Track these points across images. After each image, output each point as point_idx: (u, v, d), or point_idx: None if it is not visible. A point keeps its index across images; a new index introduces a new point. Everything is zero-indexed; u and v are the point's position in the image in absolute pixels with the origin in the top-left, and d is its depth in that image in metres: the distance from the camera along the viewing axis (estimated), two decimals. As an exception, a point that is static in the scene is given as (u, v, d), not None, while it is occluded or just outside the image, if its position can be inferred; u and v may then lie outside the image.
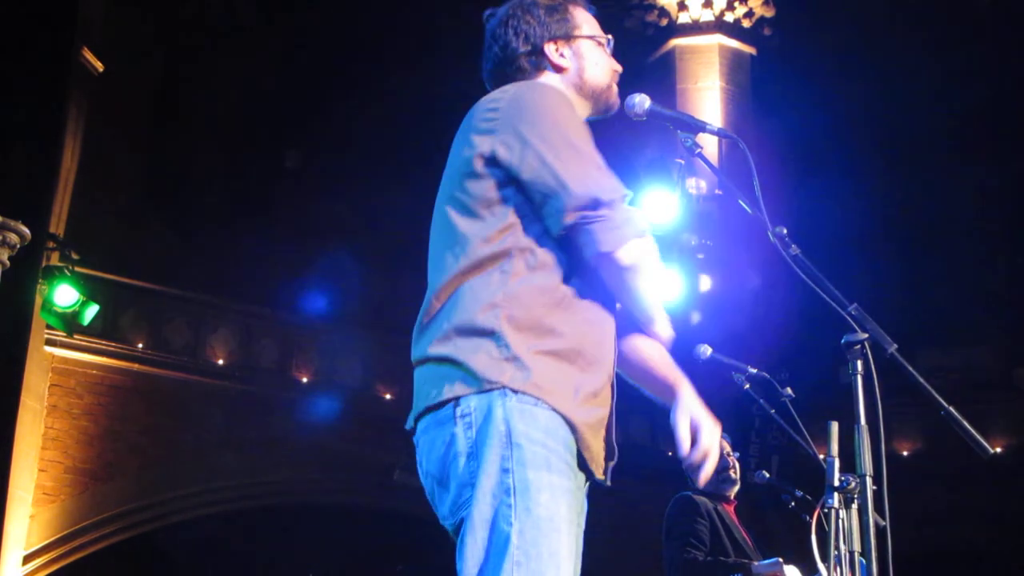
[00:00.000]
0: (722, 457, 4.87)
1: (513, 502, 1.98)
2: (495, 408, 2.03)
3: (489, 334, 2.06)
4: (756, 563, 4.64)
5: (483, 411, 2.03)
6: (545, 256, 2.12)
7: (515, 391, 2.03)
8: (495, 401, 2.03)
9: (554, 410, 2.05)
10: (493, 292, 2.08)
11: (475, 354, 2.06)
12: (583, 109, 2.36)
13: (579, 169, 2.12)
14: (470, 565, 2.00)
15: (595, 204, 2.08)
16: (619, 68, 2.43)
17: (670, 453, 12.44)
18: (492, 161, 2.13)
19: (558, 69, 2.36)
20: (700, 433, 2.21)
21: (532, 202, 2.12)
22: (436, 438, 2.09)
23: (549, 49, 2.36)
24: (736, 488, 4.91)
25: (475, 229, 2.13)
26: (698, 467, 2.21)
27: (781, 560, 4.62)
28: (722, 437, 5.03)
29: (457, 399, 2.06)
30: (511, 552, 1.96)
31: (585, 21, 2.41)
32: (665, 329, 2.30)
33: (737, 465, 4.90)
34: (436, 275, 2.17)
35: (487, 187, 2.14)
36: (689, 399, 2.24)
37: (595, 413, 2.13)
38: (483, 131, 2.16)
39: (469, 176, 2.15)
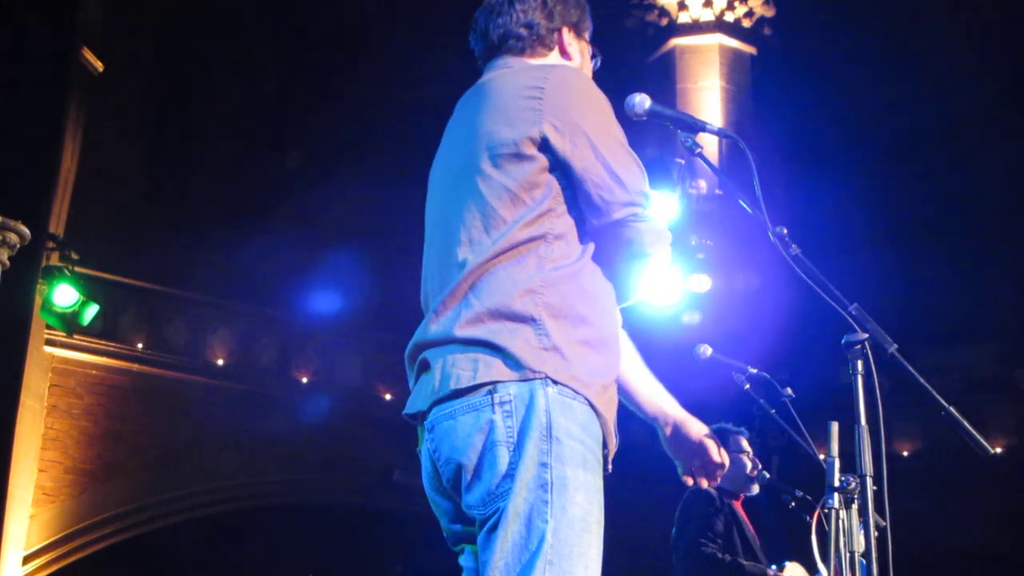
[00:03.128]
0: (752, 457, 4.88)
1: (550, 498, 1.95)
2: (537, 398, 1.98)
3: (528, 320, 2.02)
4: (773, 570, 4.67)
5: (524, 400, 1.98)
6: (576, 245, 2.11)
7: (555, 382, 1.99)
8: (537, 390, 1.98)
9: (588, 403, 2.03)
10: (531, 277, 2.04)
11: (514, 340, 2.00)
12: None
13: (629, 166, 2.13)
14: (497, 557, 1.95)
15: (644, 203, 2.12)
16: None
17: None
18: (543, 145, 2.09)
19: (567, 56, 2.35)
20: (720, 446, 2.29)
21: (573, 189, 2.11)
22: (467, 423, 2.00)
23: (566, 34, 2.35)
24: (756, 487, 4.90)
25: (515, 212, 2.08)
26: (717, 473, 2.29)
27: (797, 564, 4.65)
28: (742, 435, 5.00)
29: (495, 384, 1.99)
30: (544, 550, 1.92)
31: (589, 28, 2.42)
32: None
33: (759, 464, 4.90)
34: (462, 254, 2.09)
35: (532, 170, 2.09)
36: (693, 419, 2.31)
37: (614, 404, 2.13)
38: (528, 109, 2.11)
39: (511, 157, 2.10)
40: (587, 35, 2.39)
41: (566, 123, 2.09)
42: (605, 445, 2.08)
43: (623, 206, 2.10)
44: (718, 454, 2.26)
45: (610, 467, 2.18)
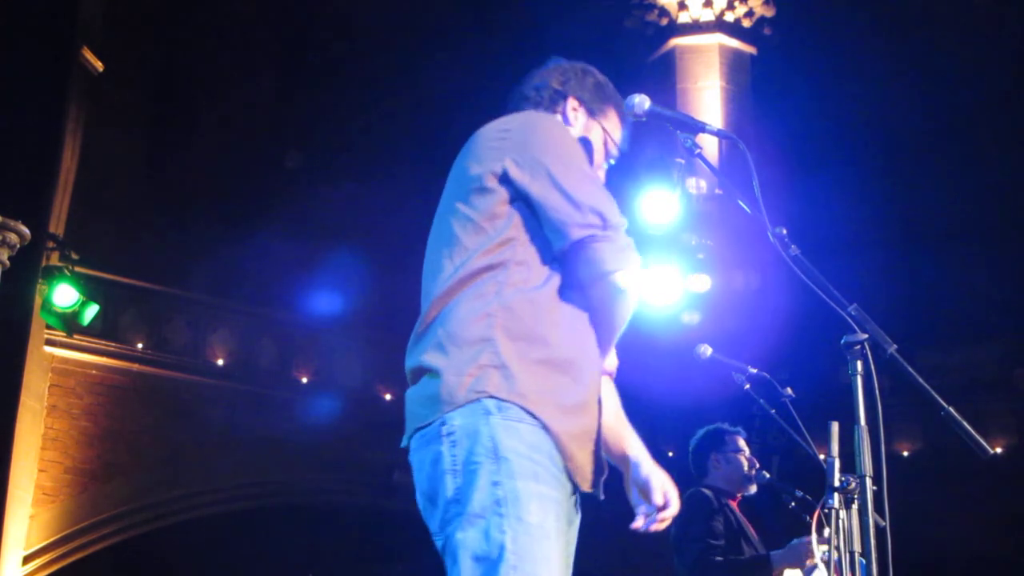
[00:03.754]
0: (749, 457, 4.87)
1: (505, 511, 2.00)
2: (480, 426, 2.05)
3: (482, 342, 2.09)
4: (776, 553, 4.59)
5: (467, 429, 2.06)
6: (540, 271, 2.17)
7: (500, 400, 2.05)
8: (480, 419, 2.05)
9: (536, 419, 2.06)
10: (488, 302, 2.12)
11: (464, 364, 2.08)
12: None
13: (589, 189, 2.19)
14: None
15: (604, 223, 2.15)
16: (602, 167, 2.50)
17: (670, 453, 12.44)
18: (503, 178, 2.19)
19: (567, 123, 2.44)
20: (668, 487, 2.27)
21: (537, 218, 2.18)
22: (425, 457, 2.13)
23: (571, 102, 2.46)
24: (754, 487, 4.89)
25: (476, 241, 2.17)
26: (659, 515, 2.26)
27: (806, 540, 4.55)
28: (739, 435, 4.99)
29: (442, 416, 2.08)
30: (507, 558, 1.98)
31: (614, 126, 2.50)
32: (612, 361, 2.39)
33: (756, 464, 4.89)
34: (433, 284, 2.21)
35: (494, 201, 2.19)
36: (649, 459, 2.31)
37: (581, 424, 2.15)
38: (493, 149, 2.22)
39: (476, 192, 2.20)
40: (604, 120, 2.47)
41: (526, 157, 2.19)
42: (567, 465, 2.12)
43: (581, 227, 2.15)
44: (660, 496, 2.25)
45: (601, 494, 2.26)
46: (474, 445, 2.04)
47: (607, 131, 2.47)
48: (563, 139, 2.27)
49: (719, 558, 4.53)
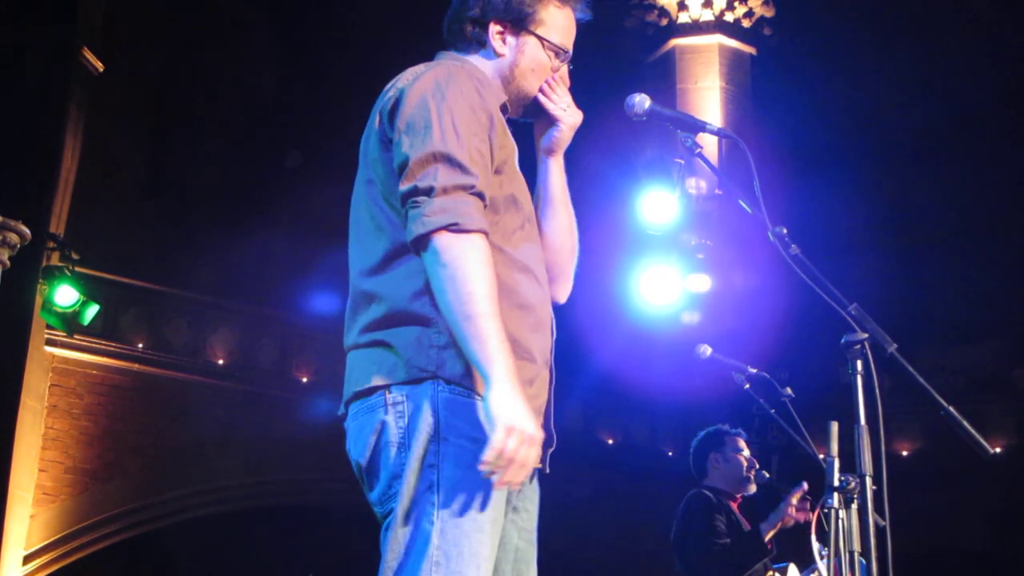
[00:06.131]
0: (748, 458, 4.87)
1: (436, 499, 1.96)
2: (425, 399, 1.99)
3: (422, 321, 2.02)
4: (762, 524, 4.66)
5: (414, 401, 2.00)
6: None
7: (447, 382, 2.00)
8: (426, 391, 2.00)
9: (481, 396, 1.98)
10: (422, 277, 2.02)
11: (408, 341, 2.02)
12: (503, 98, 2.26)
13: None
14: (390, 558, 1.98)
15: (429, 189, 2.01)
16: (560, 82, 2.33)
17: (670, 453, 12.45)
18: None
19: (494, 53, 2.29)
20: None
21: None
22: (365, 425, 2.06)
23: (492, 29, 2.28)
24: (753, 487, 4.89)
25: (396, 216, 2.08)
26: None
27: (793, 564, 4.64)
28: (739, 436, 5.00)
29: (388, 387, 2.02)
30: (431, 552, 1.93)
31: (552, 22, 2.29)
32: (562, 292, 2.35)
33: (756, 465, 4.90)
34: (362, 259, 2.12)
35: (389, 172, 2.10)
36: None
37: (530, 399, 2.04)
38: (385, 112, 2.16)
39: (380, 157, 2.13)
40: (536, 26, 2.27)
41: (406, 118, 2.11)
42: None
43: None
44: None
45: (547, 467, 2.18)
46: (418, 418, 1.98)
47: (542, 37, 2.27)
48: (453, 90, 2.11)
49: (718, 546, 4.55)
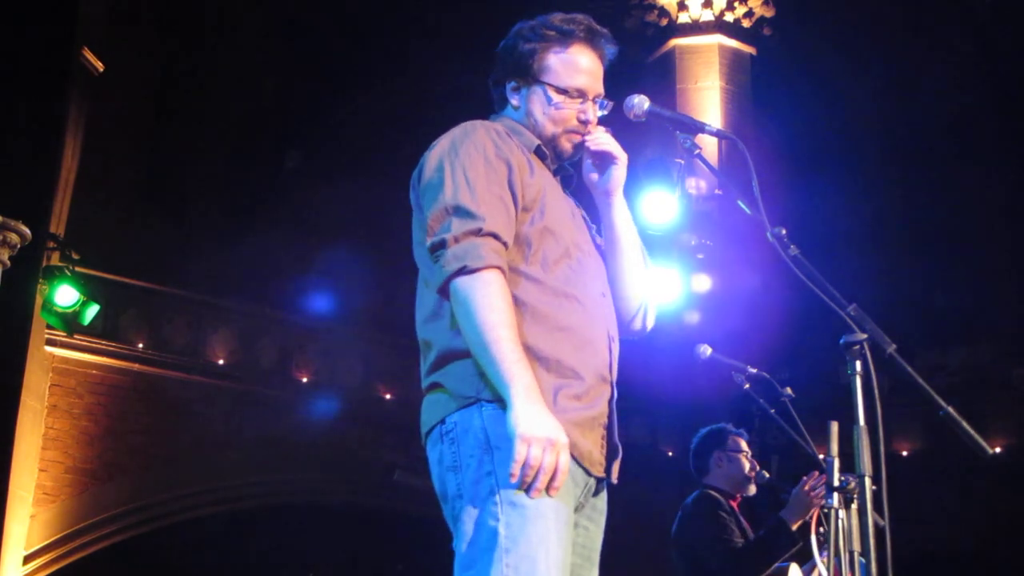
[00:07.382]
0: (750, 458, 4.85)
1: (498, 499, 2.07)
2: (473, 420, 2.14)
3: (463, 355, 2.17)
4: (784, 511, 4.59)
5: (463, 425, 2.15)
6: (513, 277, 2.22)
7: (489, 401, 2.12)
8: (472, 414, 2.14)
9: None
10: None
11: (454, 376, 2.18)
12: (534, 143, 2.42)
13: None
14: (464, 558, 2.10)
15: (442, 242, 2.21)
16: (585, 120, 2.41)
17: (670, 453, 12.46)
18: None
19: (512, 107, 2.47)
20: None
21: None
22: (432, 458, 2.23)
23: (508, 87, 2.47)
24: (753, 488, 4.87)
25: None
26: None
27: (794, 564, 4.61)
28: (741, 436, 4.97)
29: (443, 419, 2.18)
30: (500, 543, 2.04)
31: (555, 66, 2.40)
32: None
33: (757, 466, 4.88)
34: (420, 311, 2.31)
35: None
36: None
37: (581, 412, 2.19)
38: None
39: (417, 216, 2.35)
40: (544, 75, 2.40)
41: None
42: (573, 452, 2.14)
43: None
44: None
45: (614, 477, 2.31)
46: (468, 438, 2.13)
47: (547, 83, 2.40)
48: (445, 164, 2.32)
49: (738, 546, 4.49)
